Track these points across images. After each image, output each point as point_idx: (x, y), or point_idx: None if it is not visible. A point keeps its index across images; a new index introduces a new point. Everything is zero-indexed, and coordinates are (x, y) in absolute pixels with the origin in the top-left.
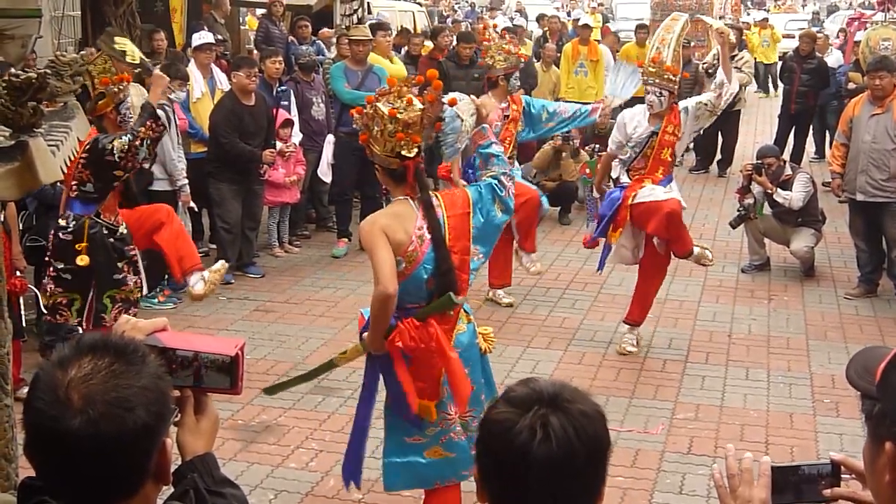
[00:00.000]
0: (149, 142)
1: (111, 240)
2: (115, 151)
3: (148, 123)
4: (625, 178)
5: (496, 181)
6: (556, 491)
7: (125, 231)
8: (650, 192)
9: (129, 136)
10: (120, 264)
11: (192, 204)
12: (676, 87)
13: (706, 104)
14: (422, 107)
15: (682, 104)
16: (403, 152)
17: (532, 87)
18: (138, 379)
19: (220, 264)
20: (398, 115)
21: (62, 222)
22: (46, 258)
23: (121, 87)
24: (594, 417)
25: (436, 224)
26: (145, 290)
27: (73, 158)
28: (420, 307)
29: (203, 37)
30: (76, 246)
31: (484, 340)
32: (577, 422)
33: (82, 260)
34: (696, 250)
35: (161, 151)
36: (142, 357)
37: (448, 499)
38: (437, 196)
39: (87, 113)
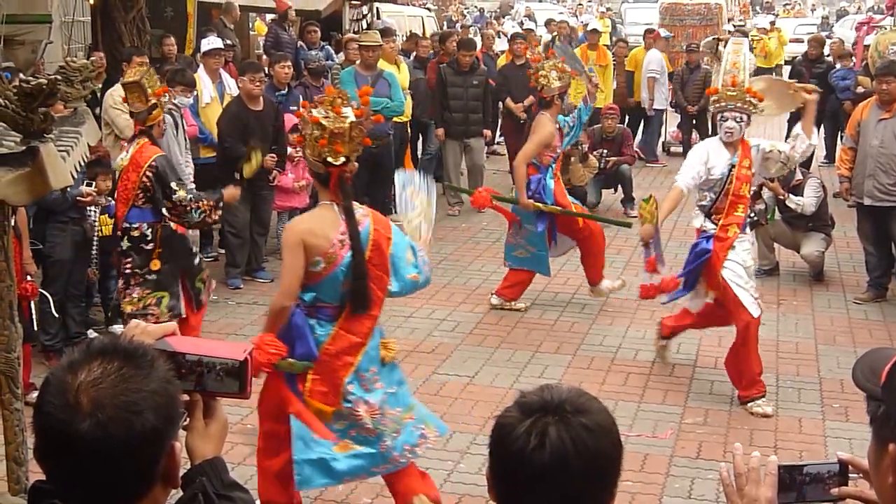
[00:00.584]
0: (200, 213)
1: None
2: (173, 196)
3: (212, 204)
4: (709, 225)
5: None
6: (550, 499)
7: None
8: (738, 276)
9: (191, 196)
10: (194, 252)
11: None
12: (755, 111)
13: (780, 152)
14: (351, 119)
15: (752, 141)
16: (329, 159)
17: None
18: (147, 383)
19: None
20: (322, 123)
21: (138, 234)
22: (127, 269)
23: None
24: (596, 431)
25: (355, 232)
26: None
27: (127, 176)
28: (333, 308)
29: (212, 42)
30: (153, 252)
31: (385, 349)
32: (575, 433)
33: (155, 264)
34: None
35: (169, 155)
36: (150, 361)
37: (409, 483)
38: (365, 209)
39: (141, 122)
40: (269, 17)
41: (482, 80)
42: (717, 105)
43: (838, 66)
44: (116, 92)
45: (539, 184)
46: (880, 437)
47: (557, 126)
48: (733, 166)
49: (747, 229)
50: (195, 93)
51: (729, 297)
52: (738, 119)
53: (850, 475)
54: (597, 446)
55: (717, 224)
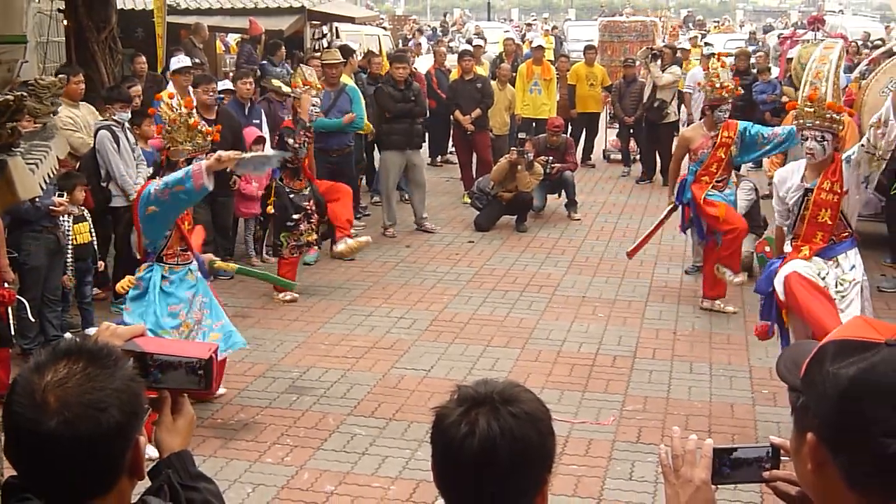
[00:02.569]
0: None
1: (291, 196)
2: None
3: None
4: (787, 247)
5: None
6: (486, 485)
7: (307, 192)
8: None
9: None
10: (296, 216)
11: None
12: (841, 128)
13: (863, 145)
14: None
15: (844, 154)
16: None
17: (489, 106)
18: (111, 381)
19: (365, 239)
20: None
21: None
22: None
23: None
24: (523, 420)
25: None
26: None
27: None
28: None
29: (181, 60)
30: (268, 200)
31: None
32: (504, 422)
33: (269, 209)
34: None
35: (111, 169)
36: (115, 360)
37: None
38: None
39: None
40: (233, 36)
41: (418, 94)
42: (797, 122)
43: (759, 81)
44: (65, 112)
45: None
46: (800, 425)
47: (711, 135)
48: (809, 191)
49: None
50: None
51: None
52: (818, 138)
53: (781, 458)
54: (523, 433)
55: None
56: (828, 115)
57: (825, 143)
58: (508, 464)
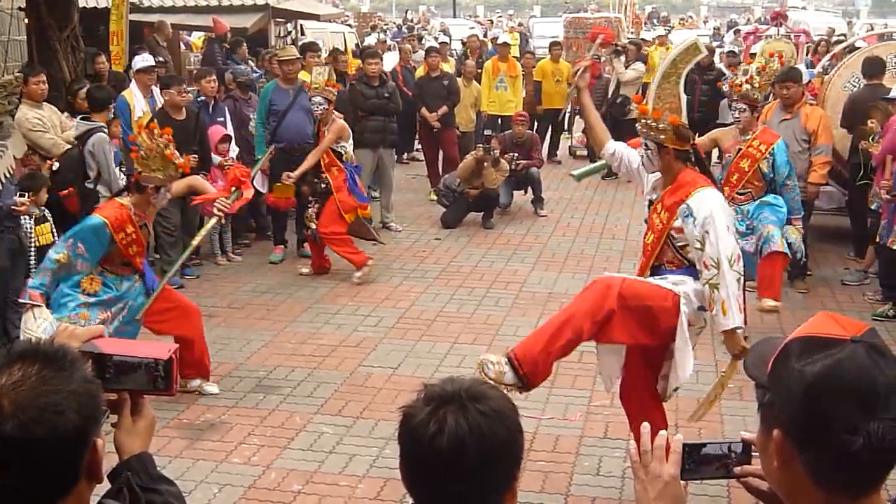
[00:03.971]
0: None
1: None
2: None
3: None
4: None
5: None
6: (456, 484)
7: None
8: None
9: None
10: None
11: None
12: (663, 137)
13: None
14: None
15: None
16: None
17: (455, 103)
18: (68, 383)
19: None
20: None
21: None
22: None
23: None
24: (492, 417)
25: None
26: None
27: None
28: None
29: (145, 59)
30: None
31: None
32: (472, 420)
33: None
34: None
35: (107, 172)
36: (71, 363)
37: None
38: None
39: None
40: (196, 34)
41: (391, 92)
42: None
43: (728, 73)
44: (31, 113)
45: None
46: (766, 422)
47: (740, 139)
48: (651, 202)
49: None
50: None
51: None
52: (645, 146)
53: (752, 454)
54: (492, 431)
55: None
56: (650, 123)
57: (649, 152)
58: (477, 462)
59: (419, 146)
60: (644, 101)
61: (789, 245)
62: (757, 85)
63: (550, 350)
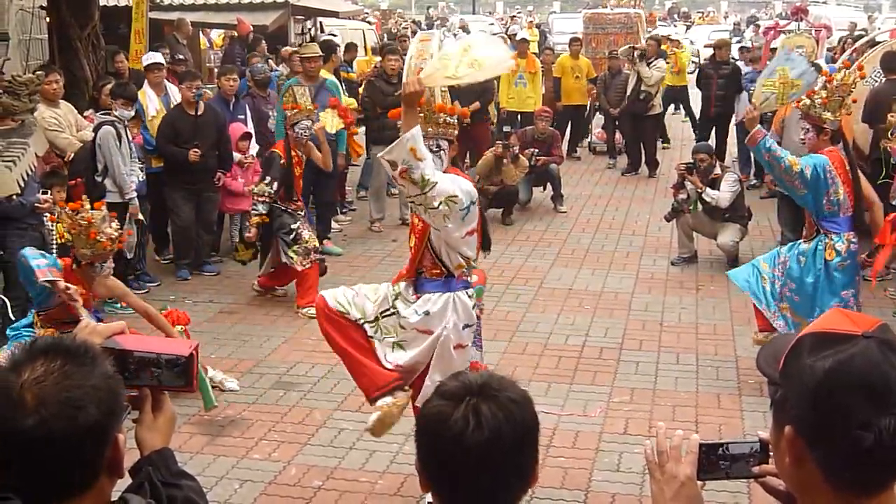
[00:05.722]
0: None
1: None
2: (255, 187)
3: (260, 219)
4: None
5: None
6: (490, 474)
7: (301, 213)
8: None
9: (269, 189)
10: (294, 225)
11: (140, 216)
12: (455, 132)
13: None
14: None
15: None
16: None
17: (489, 101)
18: (89, 379)
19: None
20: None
21: None
22: None
23: (295, 112)
24: (521, 403)
25: None
26: None
27: None
28: None
29: (151, 57)
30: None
31: None
32: (505, 408)
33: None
34: None
35: (111, 166)
36: (92, 358)
37: None
38: None
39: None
40: (216, 32)
41: None
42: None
43: (749, 68)
44: (48, 113)
45: None
46: (779, 419)
47: None
48: None
49: None
50: (137, 105)
51: None
52: (434, 148)
53: (770, 453)
54: (524, 416)
55: None
56: (441, 120)
57: (441, 152)
58: (515, 448)
59: None
60: (428, 98)
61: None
62: (820, 101)
63: None
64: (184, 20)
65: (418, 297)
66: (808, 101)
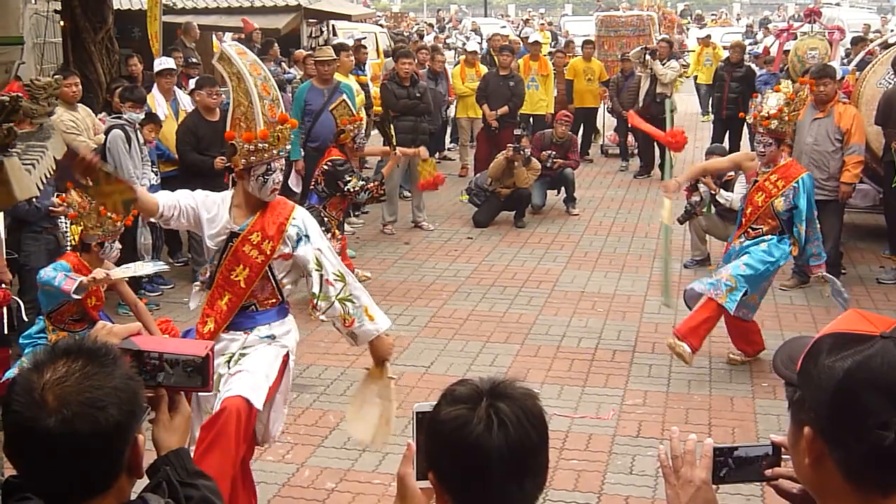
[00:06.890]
0: (367, 194)
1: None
2: (347, 185)
3: (377, 185)
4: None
5: None
6: (517, 472)
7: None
8: None
9: (362, 181)
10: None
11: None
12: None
13: None
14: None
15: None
16: None
17: (518, 106)
18: (110, 380)
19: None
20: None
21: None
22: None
23: (355, 125)
24: (533, 398)
25: None
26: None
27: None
28: None
29: (163, 62)
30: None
31: None
32: (523, 404)
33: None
34: None
35: (121, 168)
36: (113, 359)
37: None
38: None
39: (334, 140)
40: (228, 36)
41: (424, 91)
42: None
43: (763, 70)
44: (66, 116)
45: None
46: (797, 420)
47: (759, 171)
48: (235, 235)
49: None
50: (146, 108)
51: None
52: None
53: (782, 456)
54: (539, 410)
55: None
56: (261, 147)
57: (272, 174)
58: (537, 442)
59: (450, 145)
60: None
61: (739, 300)
62: (786, 118)
63: None
64: (191, 24)
65: (242, 332)
66: (776, 122)
